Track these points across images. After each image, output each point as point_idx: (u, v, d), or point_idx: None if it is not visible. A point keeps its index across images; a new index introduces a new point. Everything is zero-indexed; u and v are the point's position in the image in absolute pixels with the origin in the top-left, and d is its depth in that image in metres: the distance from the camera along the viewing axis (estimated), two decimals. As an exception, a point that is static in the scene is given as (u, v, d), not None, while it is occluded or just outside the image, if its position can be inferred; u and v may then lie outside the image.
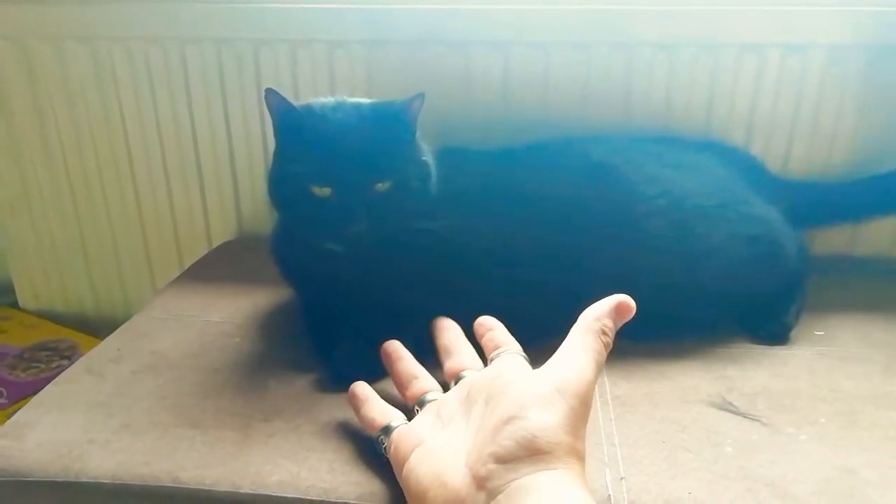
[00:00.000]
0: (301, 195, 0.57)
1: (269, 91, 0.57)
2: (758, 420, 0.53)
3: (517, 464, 0.38)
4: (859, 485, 0.46)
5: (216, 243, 0.96)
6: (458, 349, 0.54)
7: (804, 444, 0.51)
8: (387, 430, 0.48)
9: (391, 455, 0.46)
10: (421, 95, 0.58)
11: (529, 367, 0.46)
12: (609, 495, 0.46)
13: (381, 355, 0.55)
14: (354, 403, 0.51)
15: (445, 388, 0.51)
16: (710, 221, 0.64)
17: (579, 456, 0.40)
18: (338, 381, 0.56)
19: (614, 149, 0.69)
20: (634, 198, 0.64)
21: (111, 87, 0.91)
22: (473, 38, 0.83)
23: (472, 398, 0.46)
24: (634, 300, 0.47)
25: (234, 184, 0.94)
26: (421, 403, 0.50)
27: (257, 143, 0.91)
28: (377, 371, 0.56)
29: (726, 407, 0.55)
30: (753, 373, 0.60)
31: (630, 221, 0.63)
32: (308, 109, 0.59)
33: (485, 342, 0.52)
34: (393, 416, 0.49)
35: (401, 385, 0.53)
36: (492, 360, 0.49)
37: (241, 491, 0.46)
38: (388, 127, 0.58)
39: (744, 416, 0.54)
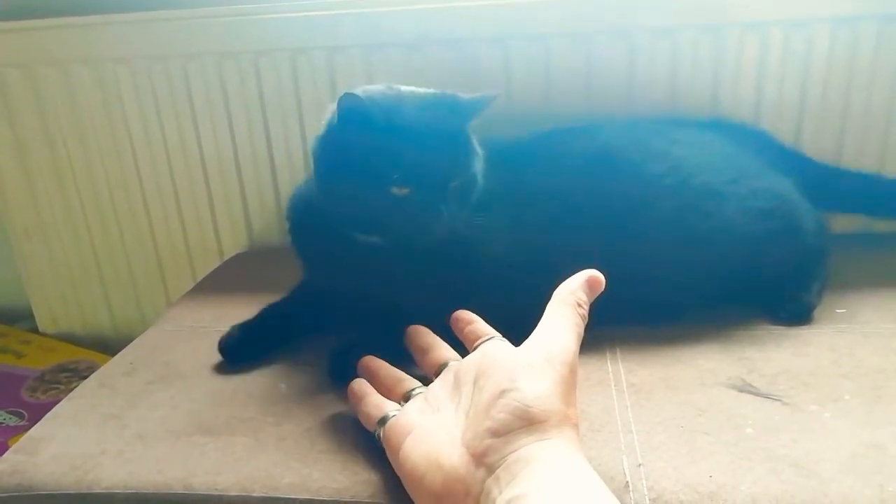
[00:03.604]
0: (376, 196, 0.55)
1: (347, 96, 0.53)
2: (779, 400, 0.52)
3: (513, 436, 0.38)
4: (888, 460, 0.45)
5: (228, 256, 0.96)
6: (434, 344, 0.53)
7: (828, 422, 0.49)
8: (383, 420, 0.47)
9: (385, 444, 0.46)
10: (495, 96, 0.57)
11: (513, 346, 0.46)
12: (627, 482, 0.44)
13: (359, 370, 0.54)
14: (353, 401, 0.51)
15: (427, 383, 0.51)
16: (721, 198, 0.63)
17: (572, 423, 0.40)
18: (334, 375, 0.57)
19: (618, 133, 0.68)
20: (641, 180, 0.63)
21: (117, 107, 0.91)
22: (471, 35, 0.83)
23: (460, 382, 0.46)
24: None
25: (243, 195, 0.94)
26: (407, 398, 0.49)
27: (263, 153, 0.91)
28: None
29: (746, 389, 0.53)
30: (774, 353, 0.58)
31: (638, 204, 0.62)
32: (378, 106, 0.55)
33: (466, 334, 0.51)
34: (388, 407, 0.49)
35: (385, 391, 0.52)
36: (475, 348, 0.49)
37: (253, 494, 0.46)
38: (460, 123, 0.57)
39: (765, 396, 0.52)
